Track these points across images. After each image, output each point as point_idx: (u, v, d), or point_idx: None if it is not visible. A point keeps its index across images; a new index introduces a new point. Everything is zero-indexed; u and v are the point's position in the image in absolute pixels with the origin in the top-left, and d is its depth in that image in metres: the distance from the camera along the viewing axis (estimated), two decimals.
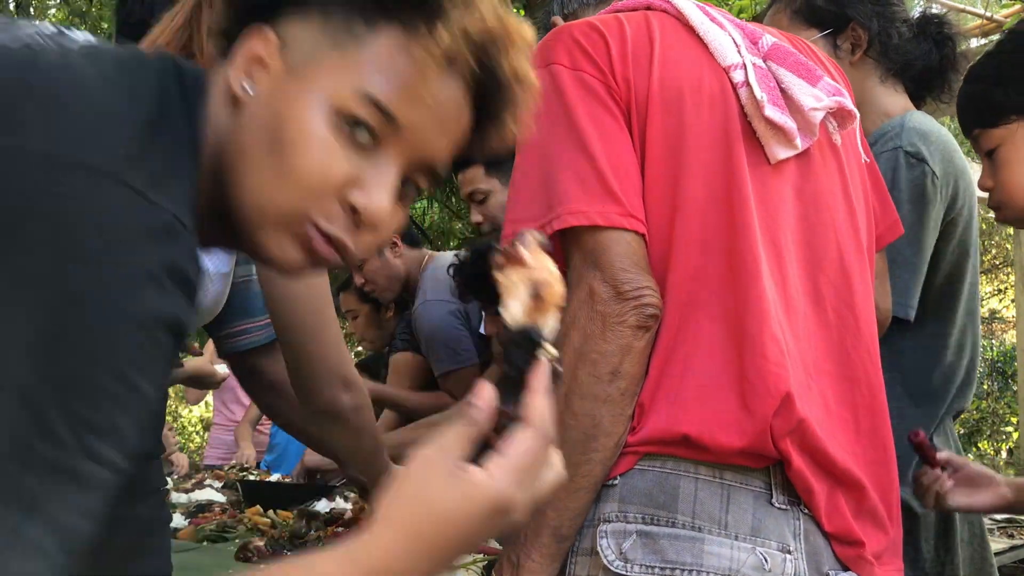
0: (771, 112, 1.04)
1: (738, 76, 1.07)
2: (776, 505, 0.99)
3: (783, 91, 1.07)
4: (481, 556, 1.73)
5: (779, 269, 1.03)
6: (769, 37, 1.14)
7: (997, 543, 2.46)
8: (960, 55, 1.73)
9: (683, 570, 0.93)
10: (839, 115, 1.12)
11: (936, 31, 1.72)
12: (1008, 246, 10.60)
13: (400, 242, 2.92)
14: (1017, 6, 6.28)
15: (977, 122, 1.44)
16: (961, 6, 6.80)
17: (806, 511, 1.01)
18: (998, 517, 2.80)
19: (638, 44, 1.06)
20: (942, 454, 1.49)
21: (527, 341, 0.66)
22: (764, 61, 1.10)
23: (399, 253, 2.92)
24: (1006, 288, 11.71)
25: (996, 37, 6.07)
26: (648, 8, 1.14)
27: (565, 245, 1.00)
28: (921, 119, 1.65)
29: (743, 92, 1.07)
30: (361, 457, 1.51)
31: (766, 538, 0.96)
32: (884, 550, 1.07)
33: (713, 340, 0.99)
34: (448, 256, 2.87)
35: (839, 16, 1.68)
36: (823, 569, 1.00)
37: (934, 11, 1.79)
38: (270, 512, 2.06)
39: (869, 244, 1.18)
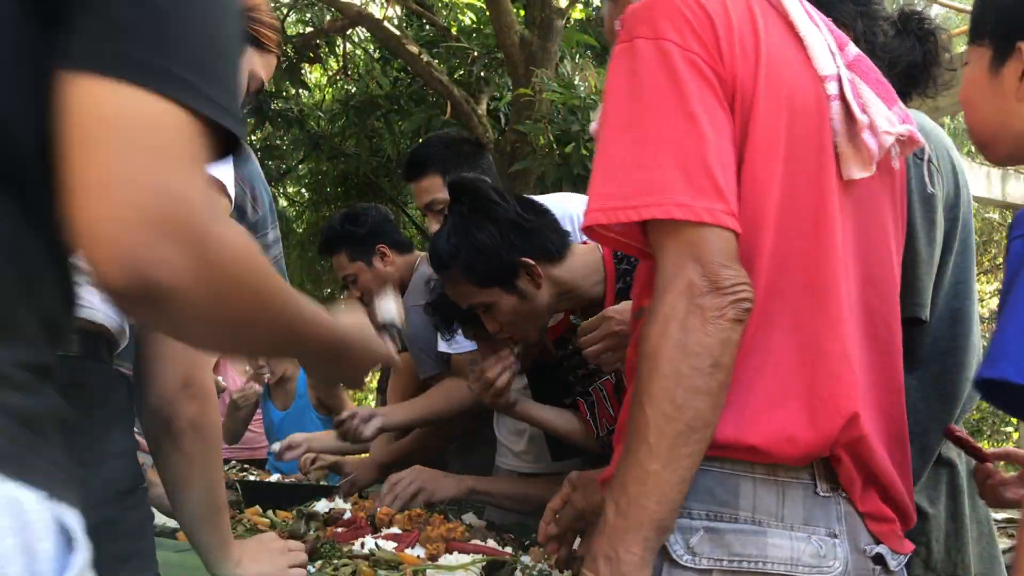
0: (868, 137, 1.06)
1: (832, 88, 1.06)
2: (820, 494, 1.04)
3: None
4: (480, 556, 1.73)
5: (846, 284, 1.07)
6: (853, 47, 1.13)
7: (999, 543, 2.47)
8: (942, 48, 1.73)
9: (749, 562, 0.98)
10: (905, 142, 1.13)
11: (917, 27, 1.72)
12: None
13: (389, 251, 2.88)
14: None
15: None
16: (961, 6, 6.80)
17: (844, 495, 1.06)
18: (998, 517, 2.80)
19: (744, 34, 1.02)
20: (998, 450, 1.48)
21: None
22: (848, 71, 1.09)
23: (390, 262, 2.89)
24: None
25: None
26: None
27: (654, 231, 0.99)
28: (918, 118, 1.65)
29: (834, 106, 1.06)
30: (188, 501, 1.17)
31: (816, 526, 1.01)
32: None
33: (784, 353, 1.02)
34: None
35: None
36: (860, 545, 1.05)
37: (914, 7, 1.78)
38: (270, 512, 2.06)
39: (900, 262, 1.22)
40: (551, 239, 1.90)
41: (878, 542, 1.07)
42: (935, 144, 1.63)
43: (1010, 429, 10.60)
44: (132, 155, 0.60)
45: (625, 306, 1.72)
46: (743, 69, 1.00)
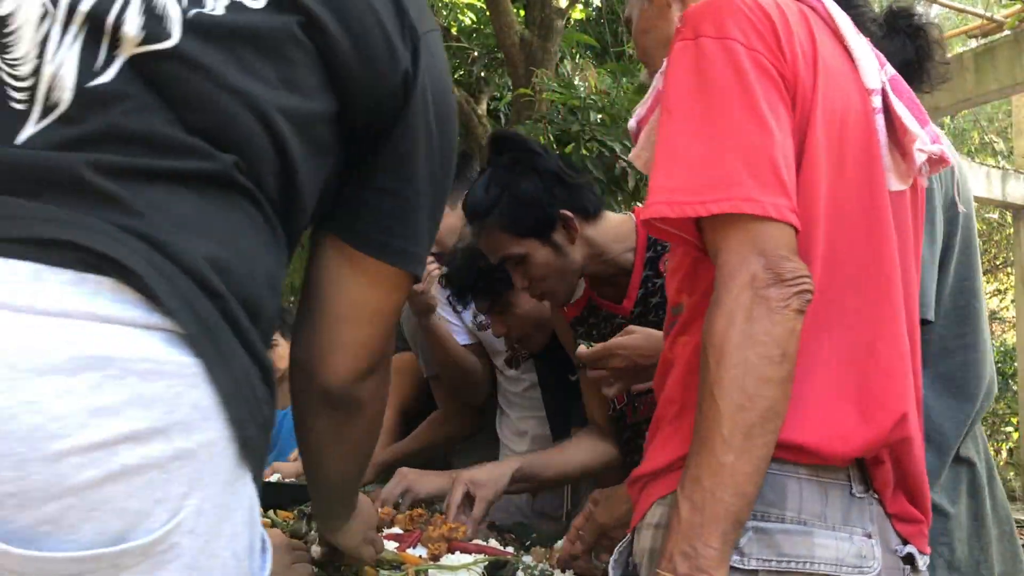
0: (915, 151, 1.08)
1: (876, 102, 1.09)
2: (856, 495, 1.04)
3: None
4: (482, 556, 1.72)
5: (898, 287, 1.09)
6: (890, 67, 1.16)
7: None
8: (934, 42, 1.73)
9: (798, 562, 0.98)
10: (936, 161, 1.15)
11: (906, 24, 1.72)
12: (1009, 245, 10.61)
13: None
14: (1017, 6, 6.28)
15: None
16: (961, 6, 6.80)
17: (876, 496, 1.07)
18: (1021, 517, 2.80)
19: (803, 41, 1.05)
20: None
21: None
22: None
23: None
24: (1006, 288, 11.71)
25: (996, 37, 6.08)
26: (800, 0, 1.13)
27: (714, 225, 1.00)
28: None
29: (879, 119, 1.09)
30: (353, 466, 1.21)
31: (854, 526, 1.02)
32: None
33: (833, 353, 1.03)
34: None
35: None
36: (892, 546, 1.06)
37: (903, 4, 1.77)
38: (270, 512, 2.06)
39: (918, 280, 1.24)
40: (589, 197, 1.91)
41: (906, 542, 1.08)
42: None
43: (1010, 429, 10.60)
44: (388, 322, 1.02)
45: (634, 339, 1.72)
46: (804, 72, 1.03)
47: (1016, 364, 8.88)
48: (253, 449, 0.80)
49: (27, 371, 0.67)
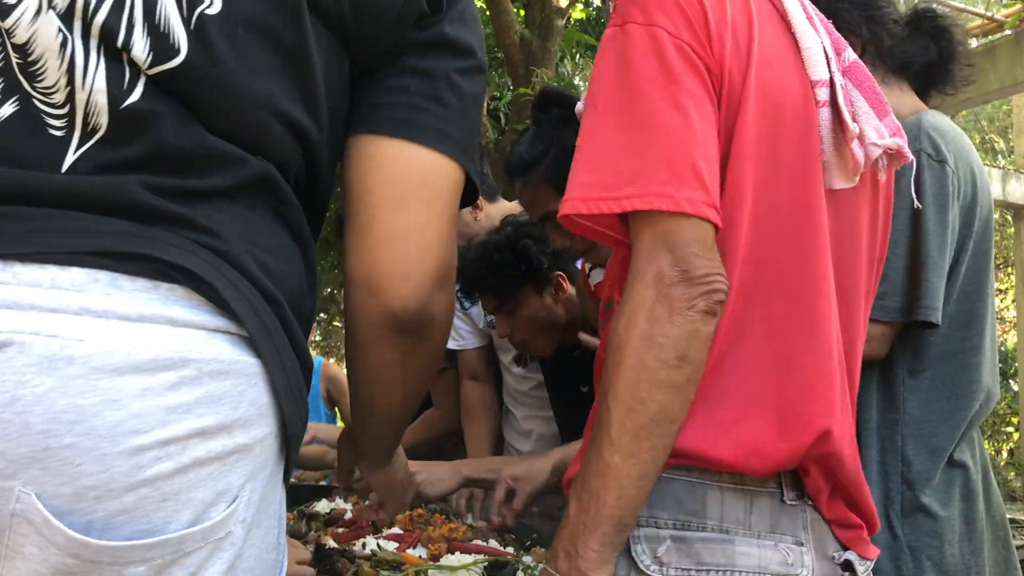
0: (855, 147, 1.03)
1: (822, 94, 1.04)
2: (787, 502, 1.02)
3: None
4: (482, 556, 1.72)
5: (830, 296, 1.04)
6: (851, 52, 1.10)
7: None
8: (958, 44, 1.72)
9: (717, 571, 0.96)
10: (894, 155, 1.10)
11: (931, 25, 1.71)
12: (1009, 245, 10.60)
13: None
14: (1017, 6, 6.28)
15: None
16: (961, 6, 6.79)
17: (810, 503, 1.05)
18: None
19: (738, 28, 0.99)
20: None
21: None
22: (843, 76, 1.07)
23: None
24: (1006, 288, 11.71)
25: (996, 37, 6.07)
26: None
27: (634, 221, 0.95)
28: (936, 119, 1.64)
29: (823, 112, 1.04)
30: (412, 397, 1.08)
31: (783, 534, 1.00)
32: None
33: (755, 362, 0.99)
34: None
35: None
36: (828, 552, 1.04)
37: (928, 4, 1.77)
38: None
39: (876, 281, 1.19)
40: None
41: (846, 548, 1.05)
42: (954, 147, 1.61)
43: (1011, 429, 10.60)
44: (439, 217, 0.92)
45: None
46: (734, 64, 0.98)
47: (1016, 364, 8.88)
48: (294, 446, 0.86)
49: (110, 372, 0.72)
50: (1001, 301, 12.14)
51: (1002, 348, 10.39)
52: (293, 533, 1.83)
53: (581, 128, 0.99)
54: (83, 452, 0.71)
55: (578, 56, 6.22)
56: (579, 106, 1.16)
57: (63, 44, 0.80)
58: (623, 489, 0.90)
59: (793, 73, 1.04)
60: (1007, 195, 7.08)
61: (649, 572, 0.95)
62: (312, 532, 1.86)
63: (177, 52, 0.82)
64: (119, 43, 0.81)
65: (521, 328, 2.17)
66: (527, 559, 1.74)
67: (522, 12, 5.86)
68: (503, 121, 6.35)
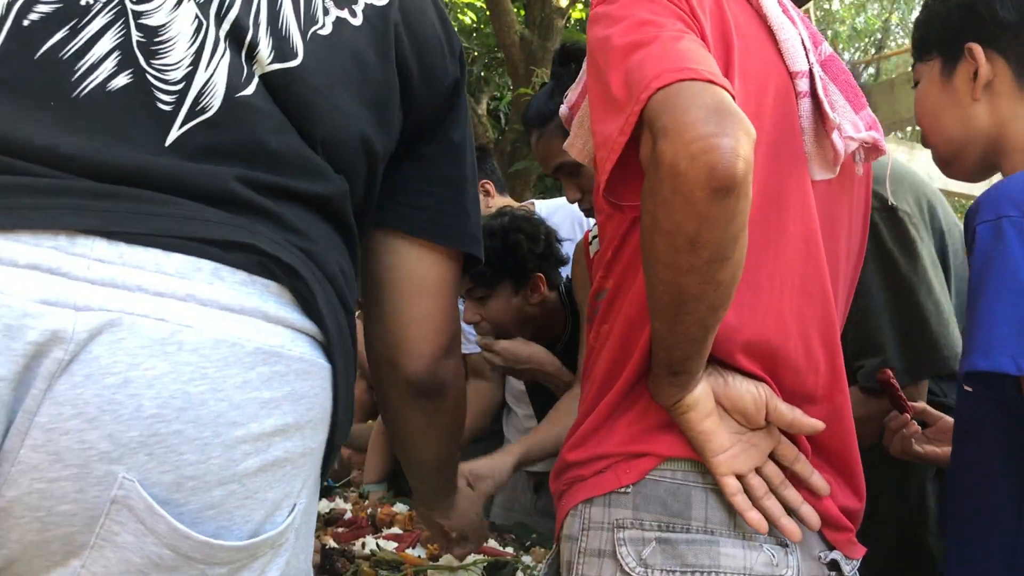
0: (835, 138, 1.02)
1: (802, 85, 1.03)
2: None
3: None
4: (482, 556, 1.72)
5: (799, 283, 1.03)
6: (827, 46, 1.10)
7: None
8: None
9: (702, 572, 0.95)
10: (870, 149, 1.09)
11: None
12: None
13: None
14: None
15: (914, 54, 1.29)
16: None
17: None
18: None
19: (715, 20, 0.99)
20: (916, 404, 1.41)
21: None
22: (820, 70, 1.06)
23: None
24: None
25: None
26: None
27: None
28: (895, 166, 1.57)
29: (804, 103, 1.03)
30: (447, 448, 1.23)
31: (767, 535, 0.99)
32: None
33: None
34: None
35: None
36: (814, 553, 1.04)
37: None
38: None
39: (854, 276, 1.18)
40: None
41: (832, 548, 1.05)
42: (913, 192, 1.56)
43: None
44: (450, 301, 1.05)
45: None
46: (717, 54, 0.96)
47: None
48: (333, 457, 0.87)
49: (217, 361, 0.72)
50: None
51: None
52: None
53: (589, 90, 0.97)
54: (188, 441, 0.70)
55: None
56: (563, 109, 1.16)
57: (197, 29, 0.83)
58: (670, 348, 0.92)
59: (772, 64, 1.04)
60: None
61: (634, 574, 0.96)
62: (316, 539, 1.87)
63: (295, 56, 0.86)
64: (248, 38, 0.84)
65: (489, 318, 2.19)
66: (527, 559, 1.75)
67: (522, 12, 5.87)
68: (503, 121, 6.36)
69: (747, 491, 0.97)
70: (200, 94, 0.82)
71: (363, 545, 1.76)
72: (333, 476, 2.93)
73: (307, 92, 0.86)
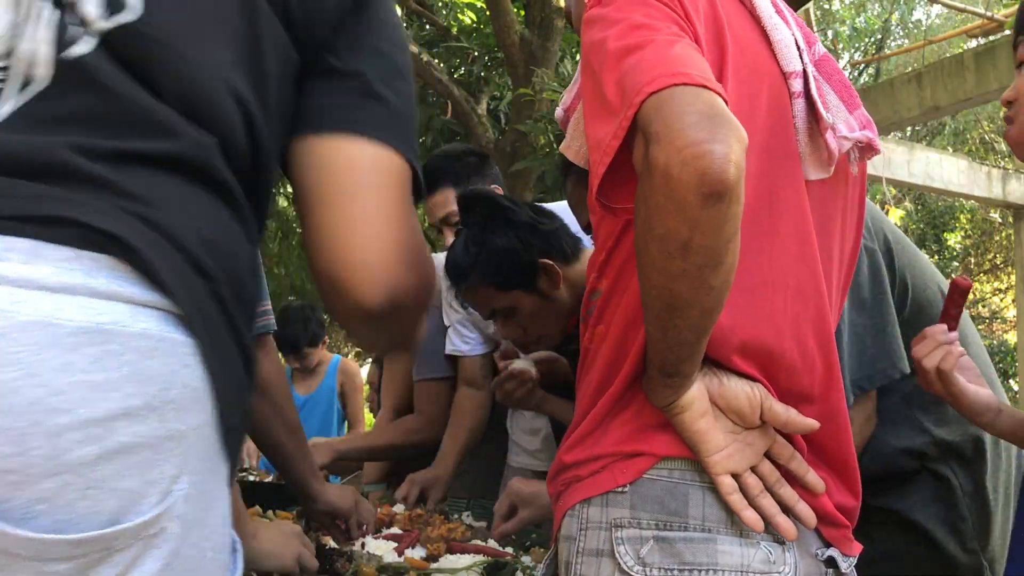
0: (829, 138, 1.03)
1: (796, 85, 1.04)
2: None
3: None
4: (482, 557, 1.72)
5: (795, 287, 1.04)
6: (820, 46, 1.10)
7: None
8: None
9: (700, 570, 0.96)
10: (863, 148, 1.10)
11: None
12: (1009, 245, 10.61)
13: None
14: (1017, 6, 6.27)
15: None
16: (961, 6, 6.80)
17: None
18: None
19: (708, 21, 0.99)
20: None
21: None
22: (814, 69, 1.06)
23: None
24: (1006, 288, 11.71)
25: (996, 37, 6.07)
26: None
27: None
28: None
29: (798, 103, 1.04)
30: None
31: (765, 532, 0.99)
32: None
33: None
34: (441, 257, 2.79)
35: None
36: (811, 550, 1.04)
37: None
38: (269, 512, 2.06)
39: (848, 277, 1.18)
40: (565, 240, 1.94)
41: (828, 545, 1.06)
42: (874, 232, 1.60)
43: None
44: (390, 202, 0.86)
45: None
46: (711, 56, 0.97)
47: (1016, 364, 8.88)
48: (234, 438, 0.79)
49: (29, 345, 0.66)
50: (1001, 301, 12.14)
51: (1002, 348, 10.38)
52: None
53: (583, 93, 0.98)
54: (1, 432, 0.65)
55: (578, 56, 6.21)
56: (558, 111, 1.17)
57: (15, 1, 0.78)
58: (664, 350, 0.93)
59: (766, 65, 1.04)
60: (1007, 195, 7.07)
61: (632, 573, 0.96)
62: (312, 532, 1.86)
63: (133, 9, 0.80)
64: None
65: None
66: (526, 559, 1.75)
67: (522, 12, 5.86)
68: (503, 121, 6.35)
69: (743, 490, 0.98)
70: (28, 64, 0.77)
71: (363, 545, 1.77)
72: (339, 473, 2.94)
73: (151, 46, 0.79)
